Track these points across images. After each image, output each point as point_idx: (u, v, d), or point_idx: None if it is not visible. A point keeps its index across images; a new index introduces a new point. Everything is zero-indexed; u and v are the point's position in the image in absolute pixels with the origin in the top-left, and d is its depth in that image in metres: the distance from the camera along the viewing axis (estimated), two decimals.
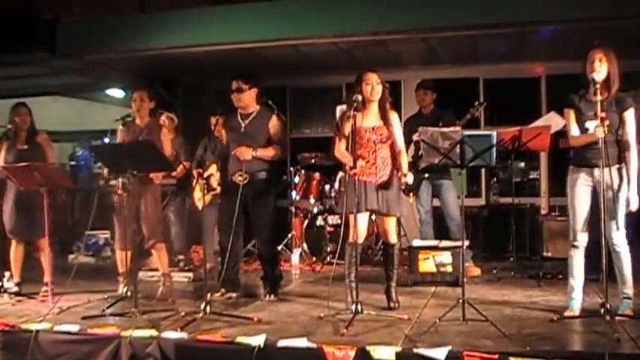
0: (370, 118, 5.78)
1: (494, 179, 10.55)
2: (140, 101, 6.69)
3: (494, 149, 5.53)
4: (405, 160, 5.88)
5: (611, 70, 5.08)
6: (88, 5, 9.40)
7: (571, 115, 5.29)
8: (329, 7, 8.15)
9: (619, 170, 5.13)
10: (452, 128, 5.66)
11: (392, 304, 5.85)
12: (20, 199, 6.84)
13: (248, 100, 6.43)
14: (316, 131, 10.99)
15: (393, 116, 5.86)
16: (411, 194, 6.85)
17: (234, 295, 6.50)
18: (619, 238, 5.13)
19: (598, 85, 4.95)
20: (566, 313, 5.30)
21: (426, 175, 7.61)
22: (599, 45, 5.15)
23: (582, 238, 5.27)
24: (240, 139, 6.36)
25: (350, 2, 8.13)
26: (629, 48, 8.51)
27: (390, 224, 5.89)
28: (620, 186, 5.11)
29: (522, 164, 10.63)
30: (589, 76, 5.03)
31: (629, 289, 5.20)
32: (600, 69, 5.07)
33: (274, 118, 6.46)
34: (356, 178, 5.50)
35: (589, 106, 5.13)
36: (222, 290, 6.51)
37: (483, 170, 9.21)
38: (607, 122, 4.87)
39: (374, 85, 5.74)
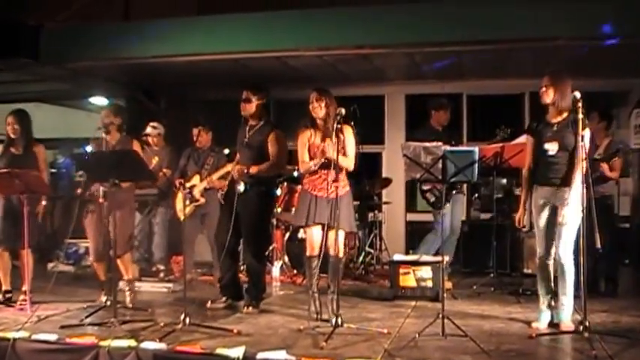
0: (319, 135, 5.99)
1: (476, 195, 10.60)
2: (106, 118, 6.65)
3: (476, 165, 5.58)
4: (344, 161, 5.93)
5: (558, 95, 5.39)
6: (72, 12, 9.36)
7: (529, 140, 5.71)
8: (314, 20, 8.18)
9: (572, 190, 5.31)
10: (435, 143, 5.68)
11: (333, 316, 5.73)
12: (9, 208, 6.79)
13: (254, 110, 6.45)
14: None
15: (346, 131, 5.99)
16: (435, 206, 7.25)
17: (236, 302, 6.52)
18: (567, 253, 5.36)
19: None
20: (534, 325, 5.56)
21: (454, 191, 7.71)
22: (548, 72, 5.49)
23: (546, 253, 5.54)
24: (242, 150, 6.45)
25: (335, 16, 8.17)
26: (612, 67, 8.68)
27: (339, 238, 5.94)
28: (572, 204, 5.29)
29: (504, 181, 10.66)
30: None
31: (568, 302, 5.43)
32: (547, 95, 5.44)
33: (274, 133, 6.45)
34: (308, 191, 5.88)
35: (547, 129, 5.50)
36: (224, 298, 6.53)
37: (465, 186, 9.24)
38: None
39: (314, 104, 5.98)
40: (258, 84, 6.54)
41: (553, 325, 5.54)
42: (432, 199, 7.35)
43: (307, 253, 6.06)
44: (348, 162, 5.97)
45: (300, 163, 6.09)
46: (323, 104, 5.93)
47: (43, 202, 6.92)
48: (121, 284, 6.80)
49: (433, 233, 7.84)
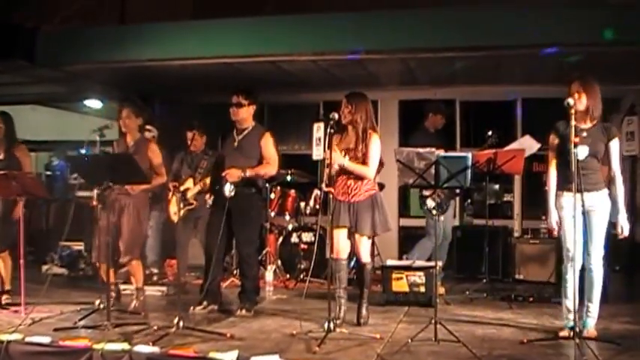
0: (346, 141, 5.95)
1: (469, 201, 10.64)
2: (127, 119, 6.69)
3: (469, 171, 5.60)
4: (359, 168, 5.91)
5: (590, 101, 5.25)
6: (69, 15, 9.37)
7: (554, 142, 5.47)
8: (309, 24, 8.20)
9: (601, 195, 5.29)
10: (429, 149, 5.71)
11: (361, 321, 5.94)
12: (6, 210, 6.79)
13: (245, 115, 6.48)
14: (293, 148, 10.98)
15: (372, 138, 5.95)
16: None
17: (215, 307, 6.53)
18: (597, 260, 5.26)
19: (573, 110, 5.05)
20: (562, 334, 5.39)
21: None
22: (578, 78, 5.31)
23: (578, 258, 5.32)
24: (233, 154, 6.43)
25: (330, 21, 8.18)
26: (607, 74, 8.72)
27: (361, 244, 5.99)
28: (602, 210, 5.26)
29: (497, 186, 10.71)
30: (565, 102, 5.11)
31: (594, 310, 5.34)
32: (580, 101, 5.24)
33: (267, 134, 6.50)
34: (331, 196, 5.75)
35: (576, 133, 5.18)
36: (205, 303, 6.53)
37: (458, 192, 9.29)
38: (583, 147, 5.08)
39: (343, 109, 5.93)
40: (249, 88, 6.56)
41: (545, 331, 5.56)
42: (433, 205, 7.37)
43: (330, 256, 5.86)
44: (365, 171, 5.90)
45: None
46: (347, 111, 5.92)
47: (21, 204, 6.89)
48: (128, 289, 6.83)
49: (427, 238, 7.88)
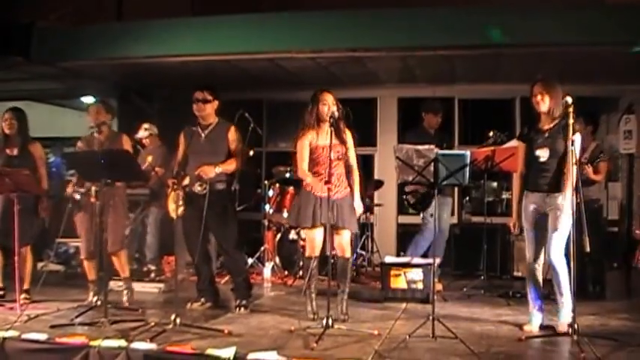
0: (325, 137, 5.92)
1: (467, 198, 10.63)
2: (96, 114, 6.66)
3: (468, 168, 5.61)
4: (357, 182, 6.10)
5: (552, 102, 5.43)
6: (65, 12, 9.34)
7: (520, 146, 5.77)
8: (308, 22, 8.19)
9: (562, 196, 5.37)
10: (427, 146, 5.70)
11: (342, 317, 5.93)
12: (6, 207, 6.75)
13: (210, 111, 6.52)
14: (291, 145, 10.97)
15: (348, 135, 6.06)
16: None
17: (213, 304, 6.56)
18: (557, 256, 5.39)
19: (571, 109, 5.13)
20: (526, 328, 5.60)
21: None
22: (540, 80, 5.51)
23: (535, 258, 5.63)
24: (200, 149, 6.39)
25: (329, 18, 8.17)
26: (605, 74, 8.73)
27: (345, 238, 6.04)
28: (563, 210, 5.35)
29: (495, 184, 10.71)
30: (563, 100, 5.23)
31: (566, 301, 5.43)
32: (543, 102, 5.45)
33: (233, 129, 6.54)
34: (311, 193, 5.88)
35: (538, 135, 5.54)
36: (202, 300, 6.54)
37: (456, 189, 9.28)
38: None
39: (330, 106, 5.92)
40: (212, 85, 6.61)
41: (544, 327, 5.58)
42: (412, 202, 7.38)
43: (307, 254, 6.08)
44: (358, 178, 6.12)
45: (299, 168, 6.07)
46: (336, 107, 5.96)
47: (44, 200, 6.91)
48: (116, 284, 6.82)
49: (420, 235, 7.87)
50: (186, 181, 6.85)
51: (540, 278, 5.63)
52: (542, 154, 5.45)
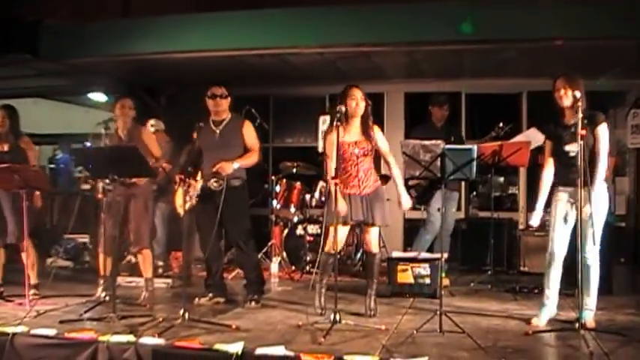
0: (352, 133, 5.90)
1: (474, 193, 10.62)
2: (121, 109, 6.71)
3: (475, 163, 5.60)
4: (399, 176, 6.02)
5: (576, 95, 5.26)
6: (71, 8, 9.35)
7: (547, 143, 5.69)
8: (314, 17, 8.18)
9: (596, 189, 5.29)
10: (434, 141, 5.69)
11: (368, 312, 5.96)
12: (4, 202, 6.80)
13: (226, 106, 6.56)
14: (298, 141, 11.01)
15: (376, 131, 6.00)
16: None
17: (221, 300, 6.57)
18: (593, 253, 5.32)
19: (580, 103, 5.10)
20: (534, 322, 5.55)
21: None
22: (563, 74, 5.43)
23: (560, 251, 5.51)
24: (215, 145, 6.42)
25: (336, 13, 8.16)
26: (612, 68, 8.69)
27: (373, 234, 6.01)
28: (597, 203, 5.26)
29: (502, 179, 10.70)
30: (571, 95, 5.25)
31: (592, 302, 5.41)
32: (566, 96, 5.36)
33: (247, 123, 6.59)
34: (338, 190, 5.66)
35: (566, 131, 5.43)
36: (210, 295, 6.56)
37: (463, 184, 9.27)
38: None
39: (358, 102, 5.87)
40: (223, 80, 6.64)
41: (550, 321, 5.57)
42: (414, 195, 7.38)
43: (326, 249, 5.93)
44: (399, 174, 6.04)
45: (327, 166, 6.01)
46: (365, 103, 5.94)
47: (38, 195, 6.91)
48: (124, 280, 6.84)
49: (423, 229, 7.87)
50: (199, 177, 6.90)
51: (560, 272, 5.54)
52: (572, 148, 5.31)
